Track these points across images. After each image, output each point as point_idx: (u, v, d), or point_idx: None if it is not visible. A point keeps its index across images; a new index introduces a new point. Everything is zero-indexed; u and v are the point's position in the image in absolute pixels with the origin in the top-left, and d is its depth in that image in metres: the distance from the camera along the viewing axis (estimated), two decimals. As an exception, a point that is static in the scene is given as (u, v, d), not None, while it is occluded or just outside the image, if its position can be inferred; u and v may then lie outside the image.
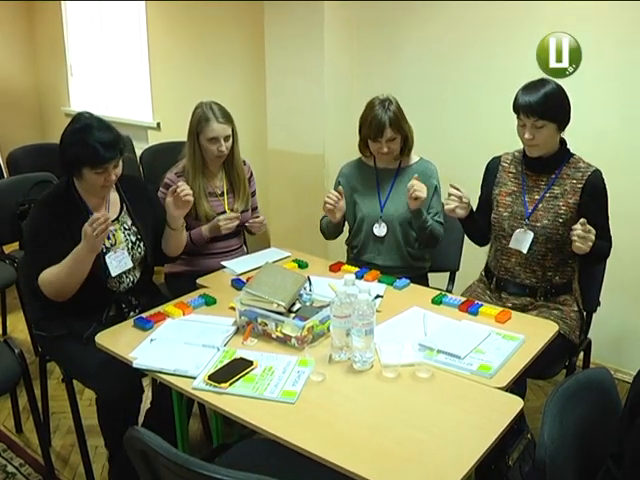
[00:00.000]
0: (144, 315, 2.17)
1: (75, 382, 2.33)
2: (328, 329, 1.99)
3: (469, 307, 2.19)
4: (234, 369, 1.81)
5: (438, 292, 2.35)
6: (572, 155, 2.34)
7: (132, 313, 2.34)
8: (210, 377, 1.77)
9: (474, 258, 2.72)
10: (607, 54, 2.90)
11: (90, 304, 2.24)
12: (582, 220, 2.10)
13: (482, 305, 2.21)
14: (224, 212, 2.79)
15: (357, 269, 2.53)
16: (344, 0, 3.55)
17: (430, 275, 2.85)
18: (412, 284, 2.44)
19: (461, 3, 3.24)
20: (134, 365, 1.89)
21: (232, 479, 1.21)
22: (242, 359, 1.87)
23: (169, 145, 4.24)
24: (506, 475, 1.81)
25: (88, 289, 2.20)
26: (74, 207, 2.25)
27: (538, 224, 2.32)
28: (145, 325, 2.10)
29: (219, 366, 1.83)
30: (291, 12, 3.56)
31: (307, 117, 3.67)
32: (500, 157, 2.49)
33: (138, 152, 4.44)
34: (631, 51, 2.84)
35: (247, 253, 2.95)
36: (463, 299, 2.26)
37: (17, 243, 3.58)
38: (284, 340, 1.98)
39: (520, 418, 1.81)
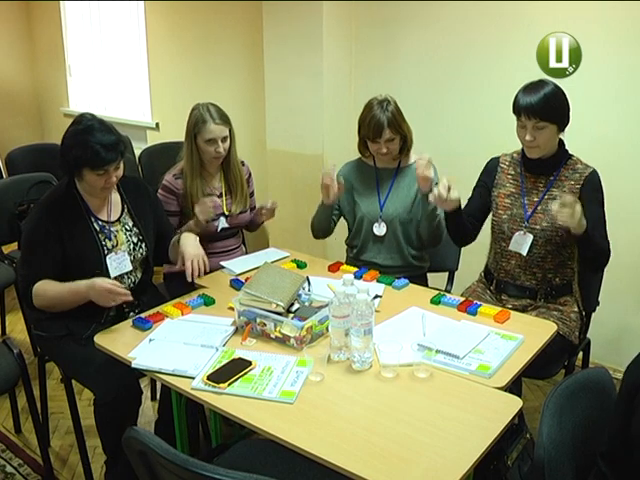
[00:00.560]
0: (143, 315, 2.17)
1: (74, 382, 2.34)
2: (327, 329, 1.99)
3: (468, 307, 2.19)
4: (233, 369, 1.81)
5: (437, 292, 2.35)
6: (570, 156, 2.34)
7: (132, 313, 2.34)
8: (209, 377, 1.77)
9: (473, 258, 2.72)
10: (607, 54, 2.90)
11: (90, 305, 2.23)
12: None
13: (481, 305, 2.21)
14: (222, 213, 2.79)
15: (356, 269, 2.54)
16: (343, 0, 3.55)
17: (429, 275, 2.85)
18: (411, 284, 2.44)
19: (460, 3, 3.24)
20: (133, 365, 1.89)
21: (231, 479, 1.21)
22: (241, 359, 1.87)
23: (168, 145, 4.25)
24: (505, 475, 1.81)
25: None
26: (75, 208, 2.25)
27: (537, 227, 2.32)
28: (144, 325, 2.10)
29: (218, 366, 1.83)
30: (290, 12, 3.56)
31: (306, 117, 3.67)
32: (499, 158, 2.48)
33: (137, 152, 4.44)
34: (631, 51, 2.84)
35: (246, 253, 2.96)
36: (462, 299, 2.26)
37: (16, 243, 3.58)
38: (283, 340, 1.98)
39: (519, 418, 1.81)
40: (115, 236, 2.31)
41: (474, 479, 1.59)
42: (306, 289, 2.21)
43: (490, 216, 2.49)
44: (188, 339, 2.00)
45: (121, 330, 2.11)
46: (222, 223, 2.80)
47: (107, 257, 2.26)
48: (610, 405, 1.52)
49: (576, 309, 2.40)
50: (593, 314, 2.55)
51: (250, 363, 1.84)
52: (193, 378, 1.79)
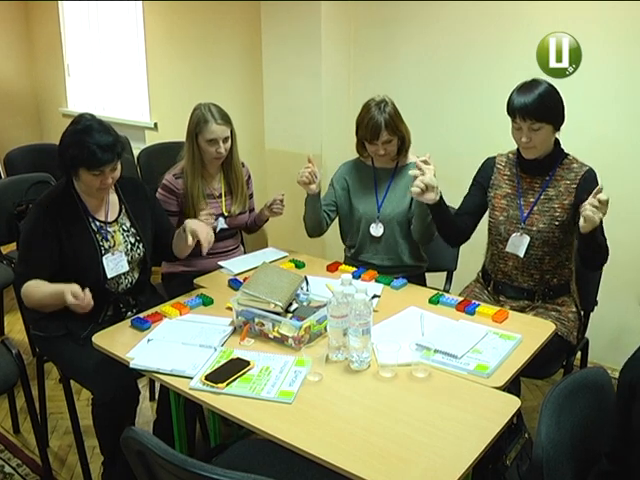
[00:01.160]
0: (141, 315, 2.17)
1: (73, 382, 2.33)
2: (325, 329, 1.99)
3: (466, 307, 2.19)
4: (231, 369, 1.81)
5: (435, 292, 2.35)
6: (566, 155, 2.33)
7: (130, 313, 2.34)
8: (207, 377, 1.77)
9: (471, 258, 2.72)
10: (607, 54, 2.90)
11: (88, 305, 2.24)
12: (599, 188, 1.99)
13: (479, 305, 2.21)
14: (222, 214, 2.79)
15: (354, 269, 2.53)
16: (341, 0, 3.55)
17: (427, 275, 2.85)
18: (409, 284, 2.44)
19: (460, 3, 3.24)
20: (131, 365, 1.89)
21: (229, 479, 1.21)
22: (239, 359, 1.87)
23: (166, 145, 4.25)
24: (504, 474, 1.81)
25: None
26: (73, 208, 2.25)
27: (534, 228, 2.31)
28: (142, 325, 2.10)
29: (216, 366, 1.83)
30: (288, 12, 3.56)
31: (305, 117, 3.67)
32: (495, 158, 2.47)
33: (135, 152, 4.43)
34: (631, 51, 2.84)
35: (244, 253, 2.95)
36: (460, 299, 2.26)
37: (14, 243, 3.57)
38: (281, 340, 1.98)
39: (517, 417, 1.81)
40: (112, 237, 2.31)
41: (473, 479, 1.59)
42: (304, 289, 2.21)
43: (487, 217, 2.48)
44: (186, 339, 2.00)
45: (119, 330, 2.11)
46: (221, 224, 2.80)
47: (104, 257, 2.26)
48: (608, 405, 1.52)
49: (574, 309, 2.39)
50: (591, 314, 2.55)
51: (248, 363, 1.84)
52: (191, 378, 1.79)
